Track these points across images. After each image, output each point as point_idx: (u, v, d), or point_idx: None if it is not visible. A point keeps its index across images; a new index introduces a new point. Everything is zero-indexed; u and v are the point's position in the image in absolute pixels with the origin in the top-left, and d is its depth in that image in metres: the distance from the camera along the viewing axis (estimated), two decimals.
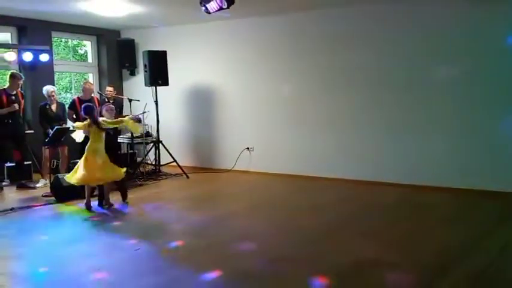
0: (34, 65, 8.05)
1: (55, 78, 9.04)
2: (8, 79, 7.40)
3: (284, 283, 3.81)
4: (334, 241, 4.83)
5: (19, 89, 7.48)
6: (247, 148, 8.74)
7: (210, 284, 3.80)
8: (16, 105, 7.22)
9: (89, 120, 6.04)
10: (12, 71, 7.65)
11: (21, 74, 7.52)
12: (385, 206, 6.26)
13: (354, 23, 7.56)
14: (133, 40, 9.81)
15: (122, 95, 9.16)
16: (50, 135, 7.11)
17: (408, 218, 5.69)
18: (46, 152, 7.48)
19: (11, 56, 7.75)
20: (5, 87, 7.36)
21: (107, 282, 3.86)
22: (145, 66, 8.45)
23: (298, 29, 8.12)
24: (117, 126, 6.44)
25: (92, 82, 8.89)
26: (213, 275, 3.94)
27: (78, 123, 6.29)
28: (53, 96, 7.65)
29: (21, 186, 7.40)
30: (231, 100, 8.93)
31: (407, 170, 7.22)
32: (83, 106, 6.23)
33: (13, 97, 7.28)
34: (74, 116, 7.82)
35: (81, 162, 6.03)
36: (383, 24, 7.31)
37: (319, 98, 8.01)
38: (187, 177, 8.30)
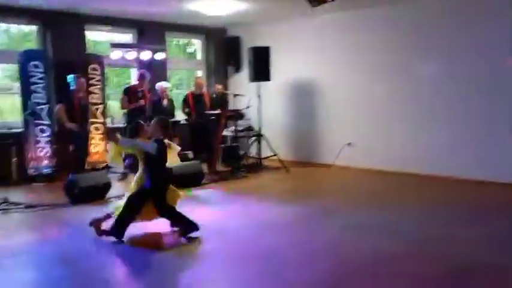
0: (151, 63, 8.77)
1: (168, 76, 9.79)
2: (137, 77, 8.16)
3: (386, 283, 3.79)
4: (444, 242, 4.65)
5: (146, 86, 8.15)
6: (348, 143, 8.69)
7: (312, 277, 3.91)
8: (142, 101, 7.94)
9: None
10: (141, 70, 8.38)
11: (148, 74, 8.20)
12: (498, 207, 5.86)
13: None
14: (238, 37, 10.24)
15: (227, 91, 9.63)
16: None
17: None
18: None
19: (131, 55, 8.54)
20: (133, 84, 8.12)
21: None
22: (249, 62, 8.80)
23: (406, 21, 7.85)
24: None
25: (202, 77, 9.48)
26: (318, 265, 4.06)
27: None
28: (165, 92, 8.28)
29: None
30: (332, 95, 8.93)
31: None
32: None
33: (139, 94, 8.01)
34: (187, 110, 8.43)
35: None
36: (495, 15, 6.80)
37: (424, 93, 7.69)
38: (288, 170, 8.49)
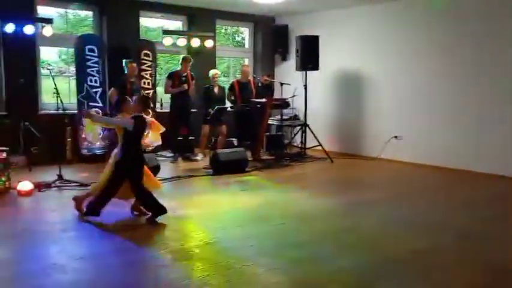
0: (200, 51, 8.90)
1: (216, 63, 9.91)
2: (180, 62, 8.35)
3: (431, 277, 3.73)
4: (488, 239, 4.52)
5: (189, 71, 8.35)
6: (395, 136, 8.50)
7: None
8: (185, 86, 8.10)
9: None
10: (183, 55, 8.58)
11: (190, 57, 8.39)
12: None
13: None
14: (287, 26, 10.20)
15: (273, 80, 9.64)
16: (211, 114, 7.88)
17: None
18: (206, 128, 8.28)
19: (182, 42, 8.69)
20: (177, 69, 8.31)
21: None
22: (297, 51, 8.75)
23: (457, 9, 7.55)
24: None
25: (248, 65, 9.52)
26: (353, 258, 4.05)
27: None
28: (215, 79, 8.39)
29: (186, 159, 8.33)
30: (380, 86, 8.75)
31: None
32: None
33: (183, 78, 8.17)
34: (233, 98, 8.54)
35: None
36: None
37: (477, 87, 7.40)
38: (332, 161, 8.43)
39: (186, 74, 8.23)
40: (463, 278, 3.64)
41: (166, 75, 8.37)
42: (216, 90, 8.37)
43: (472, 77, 7.48)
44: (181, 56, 8.45)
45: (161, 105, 8.78)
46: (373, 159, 8.71)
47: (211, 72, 8.43)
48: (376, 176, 7.65)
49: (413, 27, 8.18)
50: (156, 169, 6.73)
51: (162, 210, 4.93)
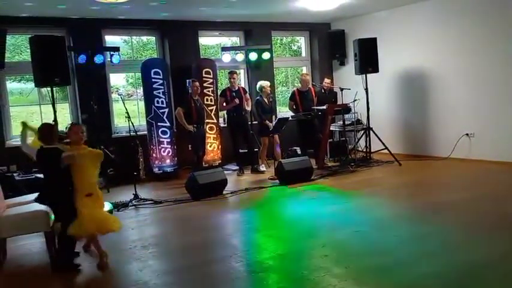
0: (258, 64, 9.04)
1: (274, 74, 10.00)
2: (228, 77, 8.52)
3: None
4: None
5: (239, 85, 8.44)
6: (467, 134, 8.12)
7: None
8: (237, 100, 8.23)
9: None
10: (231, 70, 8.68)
11: (235, 70, 8.52)
12: None
13: None
14: (343, 30, 10.12)
15: (333, 85, 9.57)
16: (274, 124, 7.96)
17: None
18: (265, 140, 8.35)
19: (240, 57, 8.88)
20: (229, 85, 8.48)
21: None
22: (355, 55, 8.65)
23: None
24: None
25: (307, 73, 9.53)
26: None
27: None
28: (266, 90, 8.41)
29: (254, 171, 8.45)
30: (444, 84, 8.41)
31: None
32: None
33: (234, 93, 8.32)
34: (294, 107, 8.58)
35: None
36: None
37: None
38: (400, 164, 8.20)
39: (237, 88, 8.38)
40: None
41: (220, 93, 8.56)
42: (266, 101, 8.36)
43: None
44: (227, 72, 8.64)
45: (224, 120, 9.01)
46: (443, 159, 8.37)
47: (260, 84, 8.46)
48: (450, 177, 7.34)
49: (474, 20, 7.80)
50: (223, 183, 6.92)
51: (65, 266, 4.30)
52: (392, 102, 9.40)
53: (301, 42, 10.93)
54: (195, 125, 7.56)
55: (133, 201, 6.58)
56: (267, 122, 8.15)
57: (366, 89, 8.60)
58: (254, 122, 8.77)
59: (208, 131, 8.50)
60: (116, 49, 7.86)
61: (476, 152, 7.96)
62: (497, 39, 7.57)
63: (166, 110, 8.24)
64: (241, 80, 9.70)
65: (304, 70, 10.57)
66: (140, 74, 8.33)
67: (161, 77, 8.20)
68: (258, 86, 8.43)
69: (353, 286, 3.63)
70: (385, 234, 4.79)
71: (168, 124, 8.25)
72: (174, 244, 4.94)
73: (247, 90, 9.15)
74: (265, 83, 8.43)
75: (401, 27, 9.01)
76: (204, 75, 8.53)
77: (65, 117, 8.28)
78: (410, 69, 9.02)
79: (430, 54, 8.59)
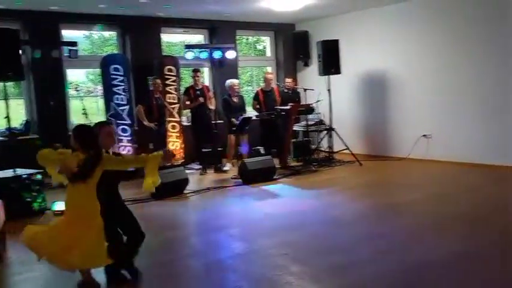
0: (222, 62, 8.98)
1: (239, 73, 9.97)
2: (191, 75, 8.42)
3: (473, 280, 3.62)
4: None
5: (203, 83, 8.38)
6: (424, 135, 8.34)
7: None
8: (201, 99, 8.15)
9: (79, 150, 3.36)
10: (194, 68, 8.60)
11: (198, 68, 8.45)
12: None
13: None
14: (307, 32, 10.20)
15: (297, 86, 9.62)
16: (238, 124, 7.92)
17: None
18: (231, 139, 8.32)
19: (204, 55, 8.79)
20: (192, 83, 8.40)
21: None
22: (318, 56, 8.73)
23: (484, 10, 7.38)
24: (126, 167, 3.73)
25: (272, 73, 9.55)
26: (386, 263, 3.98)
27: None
28: (235, 88, 8.41)
29: (217, 170, 8.38)
30: (404, 86, 8.61)
31: None
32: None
33: (198, 92, 8.25)
34: (257, 106, 8.58)
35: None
36: None
37: (506, 82, 7.18)
38: (360, 164, 8.33)
39: (201, 87, 8.31)
40: (506, 281, 3.52)
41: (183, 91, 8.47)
42: (235, 99, 8.40)
43: (503, 72, 7.26)
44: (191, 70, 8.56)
45: (187, 119, 8.90)
46: (402, 160, 8.57)
47: (228, 82, 8.46)
48: (408, 177, 7.51)
49: (435, 24, 8.03)
50: (184, 182, 6.82)
51: None
52: (354, 104, 9.54)
53: (266, 42, 10.94)
54: (156, 123, 7.42)
55: None
56: (234, 120, 8.12)
57: (329, 90, 8.70)
58: (219, 121, 8.72)
59: (170, 129, 8.36)
60: (74, 44, 7.61)
61: (433, 153, 8.19)
62: (456, 44, 7.81)
63: (127, 107, 8.05)
64: (205, 79, 9.60)
65: (269, 70, 10.60)
66: (100, 69, 8.11)
67: (121, 73, 7.99)
68: (226, 84, 8.39)
69: (309, 284, 3.64)
70: (343, 233, 4.85)
71: (128, 122, 8.06)
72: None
73: (211, 88, 9.08)
74: (234, 81, 8.41)
75: (363, 29, 9.16)
76: (166, 72, 8.38)
77: (20, 114, 7.97)
78: (371, 71, 9.19)
79: (391, 57, 8.78)
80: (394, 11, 8.57)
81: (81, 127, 3.54)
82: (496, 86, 7.36)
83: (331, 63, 8.64)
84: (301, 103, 8.85)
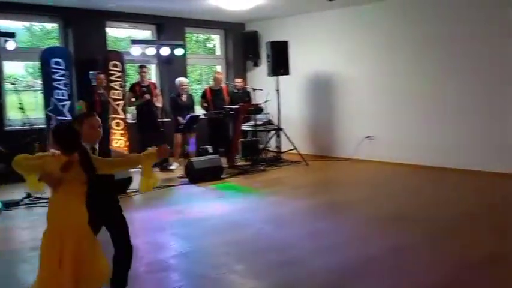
0: (170, 60, 8.82)
1: (187, 71, 9.83)
2: (138, 72, 8.23)
3: (407, 273, 3.75)
4: (461, 234, 4.58)
5: (150, 80, 8.20)
6: (367, 137, 8.59)
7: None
8: (147, 96, 7.98)
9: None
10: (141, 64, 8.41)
11: (145, 65, 8.28)
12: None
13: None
14: (256, 32, 10.23)
15: (247, 85, 9.63)
16: (185, 122, 7.80)
17: None
18: (178, 137, 8.18)
19: (151, 51, 8.60)
20: (138, 80, 8.20)
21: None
22: (268, 56, 8.77)
23: (423, 12, 7.71)
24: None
25: (221, 72, 9.50)
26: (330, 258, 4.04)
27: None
28: (183, 87, 8.31)
29: (163, 168, 8.20)
30: (351, 88, 8.83)
31: None
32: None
33: (145, 89, 8.07)
34: (205, 105, 8.49)
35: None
36: None
37: (446, 85, 7.53)
38: (307, 164, 8.45)
39: (148, 84, 8.13)
40: (436, 273, 3.67)
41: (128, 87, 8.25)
42: (183, 98, 8.29)
43: (443, 74, 7.58)
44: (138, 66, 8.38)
45: (133, 116, 8.66)
46: (346, 160, 8.78)
47: (177, 80, 8.36)
48: (352, 177, 7.71)
49: (379, 28, 8.29)
50: (128, 181, 6.62)
51: None
52: (302, 104, 9.67)
53: (216, 40, 10.86)
54: None
55: (25, 200, 6.07)
56: (180, 119, 7.99)
57: (278, 91, 8.76)
58: (166, 119, 8.54)
59: (114, 126, 8.10)
60: (11, 35, 7.19)
61: (375, 154, 8.44)
62: (398, 48, 8.10)
63: (68, 102, 7.69)
64: (153, 76, 9.39)
65: (219, 69, 10.53)
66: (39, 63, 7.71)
67: (63, 67, 7.64)
68: (176, 82, 8.29)
69: (252, 282, 3.63)
70: (286, 231, 4.89)
71: (69, 118, 7.71)
72: None
73: (159, 86, 8.89)
74: (183, 80, 8.30)
75: (311, 32, 9.31)
76: (111, 68, 8.10)
77: None
78: (319, 73, 9.35)
79: (337, 59, 8.97)
80: (341, 15, 8.77)
81: (62, 128, 3.06)
82: (436, 89, 7.68)
83: (280, 64, 8.71)
84: (250, 103, 8.87)
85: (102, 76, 7.49)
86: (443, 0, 7.49)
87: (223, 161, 7.95)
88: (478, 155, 7.17)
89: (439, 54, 7.59)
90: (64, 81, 7.66)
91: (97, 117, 3.23)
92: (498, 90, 7.00)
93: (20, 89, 6.78)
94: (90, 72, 7.62)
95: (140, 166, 3.12)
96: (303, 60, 9.30)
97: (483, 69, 7.12)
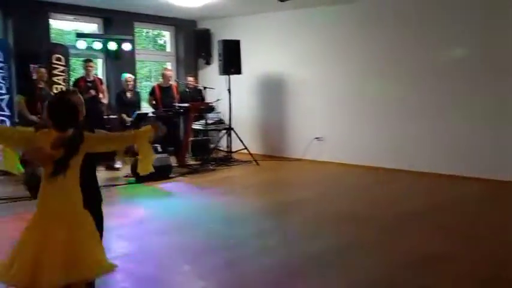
0: (118, 54, 8.54)
1: (136, 67, 9.56)
2: (82, 66, 7.92)
3: (349, 271, 3.80)
4: (407, 233, 4.71)
5: (96, 75, 7.95)
6: (317, 138, 8.70)
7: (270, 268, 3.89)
8: (93, 91, 7.68)
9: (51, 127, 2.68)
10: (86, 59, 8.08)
11: (91, 59, 8.00)
12: (465, 200, 5.99)
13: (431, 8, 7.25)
14: (208, 30, 10.12)
15: (198, 84, 9.50)
16: (132, 120, 7.57)
17: (489, 215, 5.40)
18: None
19: (98, 45, 8.29)
20: (83, 75, 7.89)
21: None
22: (219, 55, 8.69)
23: (372, 17, 7.92)
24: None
25: (170, 69, 9.31)
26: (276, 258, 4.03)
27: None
28: (128, 83, 8.08)
29: (109, 167, 7.92)
30: (302, 90, 8.92)
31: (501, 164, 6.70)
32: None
33: (90, 84, 7.77)
34: (154, 102, 8.28)
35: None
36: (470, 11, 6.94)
37: (393, 87, 7.77)
38: (258, 164, 8.45)
39: (93, 79, 7.86)
40: (376, 272, 3.74)
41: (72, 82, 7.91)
42: (129, 95, 8.06)
43: (393, 77, 7.78)
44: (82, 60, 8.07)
45: None
46: (296, 161, 8.85)
47: (123, 76, 8.12)
48: (301, 177, 7.78)
49: (329, 30, 8.43)
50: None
51: None
52: (253, 104, 9.66)
53: (166, 37, 10.64)
54: (39, 115, 6.79)
55: None
56: (124, 116, 7.74)
57: (229, 90, 8.70)
58: (112, 116, 8.25)
59: None
60: None
61: (324, 155, 8.57)
62: (347, 50, 8.26)
63: (6, 97, 7.26)
64: (99, 71, 9.05)
65: (169, 66, 10.31)
66: None
67: (1, 59, 7.21)
68: (122, 78, 8.08)
69: (198, 282, 3.55)
70: (233, 230, 4.86)
71: (7, 113, 7.29)
72: (5, 246, 4.30)
73: (105, 81, 8.58)
74: (127, 76, 8.06)
75: (263, 32, 9.32)
76: (54, 61, 7.72)
77: None
78: (270, 73, 9.38)
79: (288, 60, 9.03)
80: (292, 16, 8.83)
81: (61, 100, 2.75)
82: (385, 91, 7.88)
83: (231, 63, 8.64)
84: (200, 102, 8.75)
85: (43, 70, 7.13)
86: (392, 4, 7.71)
87: (173, 160, 7.77)
88: (427, 157, 7.39)
89: (387, 56, 7.81)
90: (2, 75, 7.23)
91: (79, 95, 2.98)
92: (445, 91, 7.22)
93: None
94: (31, 65, 7.22)
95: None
96: (255, 60, 9.29)
97: (430, 71, 7.37)
